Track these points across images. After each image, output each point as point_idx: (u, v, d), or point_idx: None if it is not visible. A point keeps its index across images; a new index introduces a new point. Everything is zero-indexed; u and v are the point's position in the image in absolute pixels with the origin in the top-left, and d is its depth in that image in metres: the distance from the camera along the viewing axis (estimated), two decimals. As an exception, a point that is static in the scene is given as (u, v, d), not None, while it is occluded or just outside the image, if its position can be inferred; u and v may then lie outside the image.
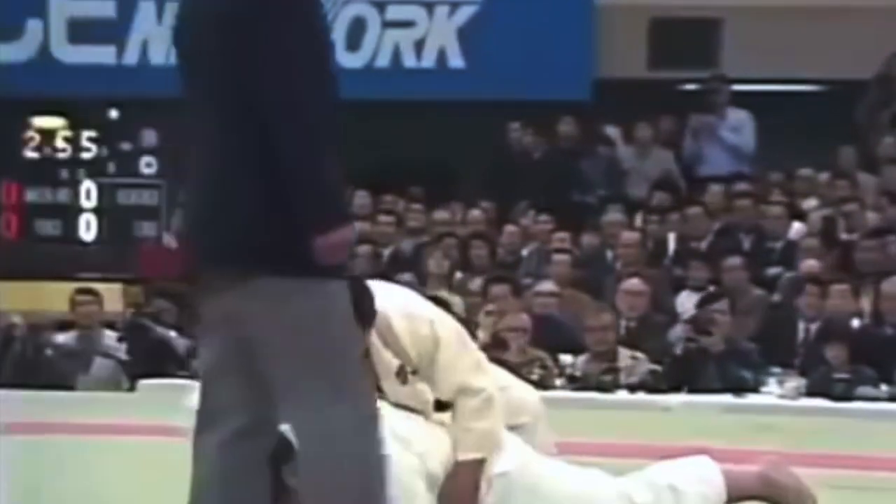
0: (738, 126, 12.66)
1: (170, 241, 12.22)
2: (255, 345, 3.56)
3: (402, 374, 4.32)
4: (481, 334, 9.35)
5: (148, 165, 13.33)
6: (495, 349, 7.82)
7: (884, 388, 8.71)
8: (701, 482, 4.49)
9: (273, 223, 3.48)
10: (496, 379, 4.53)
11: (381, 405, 4.06)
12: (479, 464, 4.32)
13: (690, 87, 13.20)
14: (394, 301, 4.31)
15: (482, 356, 4.47)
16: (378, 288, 4.32)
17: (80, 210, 13.24)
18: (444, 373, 4.30)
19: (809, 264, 10.53)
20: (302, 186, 3.44)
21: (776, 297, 10.43)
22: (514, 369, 5.86)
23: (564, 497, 4.38)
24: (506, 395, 4.53)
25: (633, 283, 10.00)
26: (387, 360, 4.30)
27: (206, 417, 3.70)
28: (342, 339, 3.57)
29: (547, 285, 10.35)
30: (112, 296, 10.94)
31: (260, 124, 3.47)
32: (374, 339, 4.25)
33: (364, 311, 4.13)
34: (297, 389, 3.52)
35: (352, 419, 3.53)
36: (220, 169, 3.55)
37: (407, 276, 10.30)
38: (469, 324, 9.72)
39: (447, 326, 4.37)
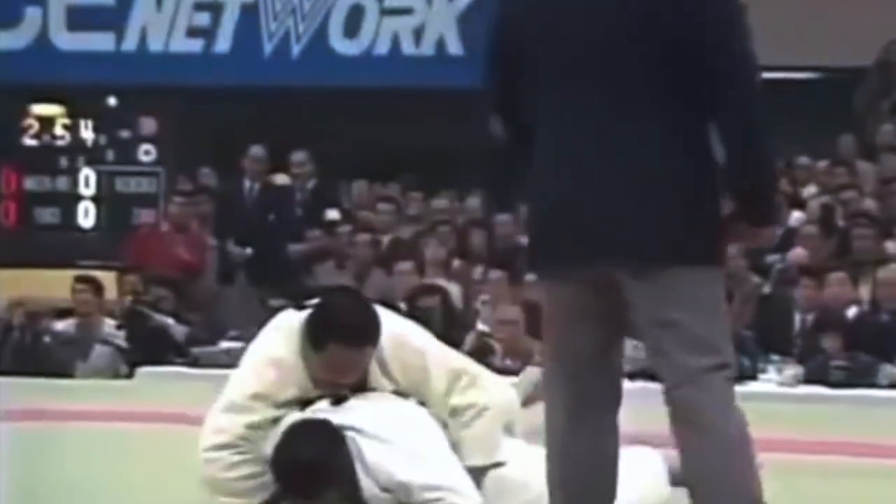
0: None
1: (169, 228, 12.15)
2: (640, 327, 3.68)
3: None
4: (480, 324, 9.38)
5: (146, 153, 13.31)
6: (480, 355, 7.83)
7: (882, 373, 8.71)
8: (645, 469, 4.54)
9: (701, 216, 3.47)
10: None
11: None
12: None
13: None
14: (388, 329, 4.40)
15: (472, 369, 4.55)
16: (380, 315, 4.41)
17: (79, 198, 13.23)
18: (434, 399, 4.44)
19: (798, 253, 10.52)
20: (763, 173, 3.45)
21: (767, 288, 10.41)
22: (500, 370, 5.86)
23: None
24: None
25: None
26: (382, 384, 4.43)
27: (581, 410, 3.73)
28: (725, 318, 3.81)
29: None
30: (111, 283, 10.93)
31: (694, 110, 3.43)
32: (373, 364, 4.37)
33: (371, 327, 4.30)
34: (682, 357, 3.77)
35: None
36: (633, 156, 3.43)
37: (407, 265, 10.30)
38: (467, 313, 9.85)
39: (435, 355, 4.48)
